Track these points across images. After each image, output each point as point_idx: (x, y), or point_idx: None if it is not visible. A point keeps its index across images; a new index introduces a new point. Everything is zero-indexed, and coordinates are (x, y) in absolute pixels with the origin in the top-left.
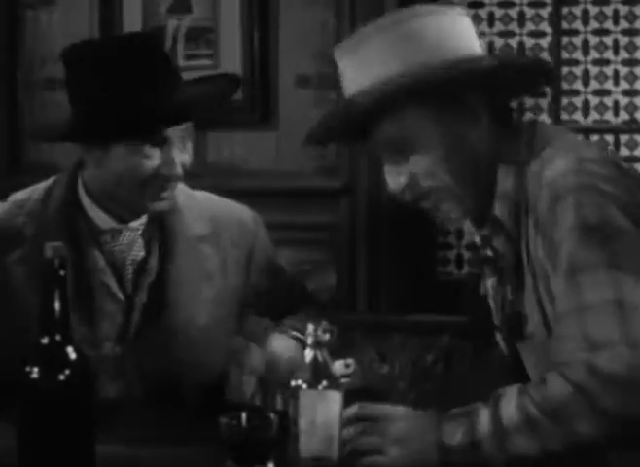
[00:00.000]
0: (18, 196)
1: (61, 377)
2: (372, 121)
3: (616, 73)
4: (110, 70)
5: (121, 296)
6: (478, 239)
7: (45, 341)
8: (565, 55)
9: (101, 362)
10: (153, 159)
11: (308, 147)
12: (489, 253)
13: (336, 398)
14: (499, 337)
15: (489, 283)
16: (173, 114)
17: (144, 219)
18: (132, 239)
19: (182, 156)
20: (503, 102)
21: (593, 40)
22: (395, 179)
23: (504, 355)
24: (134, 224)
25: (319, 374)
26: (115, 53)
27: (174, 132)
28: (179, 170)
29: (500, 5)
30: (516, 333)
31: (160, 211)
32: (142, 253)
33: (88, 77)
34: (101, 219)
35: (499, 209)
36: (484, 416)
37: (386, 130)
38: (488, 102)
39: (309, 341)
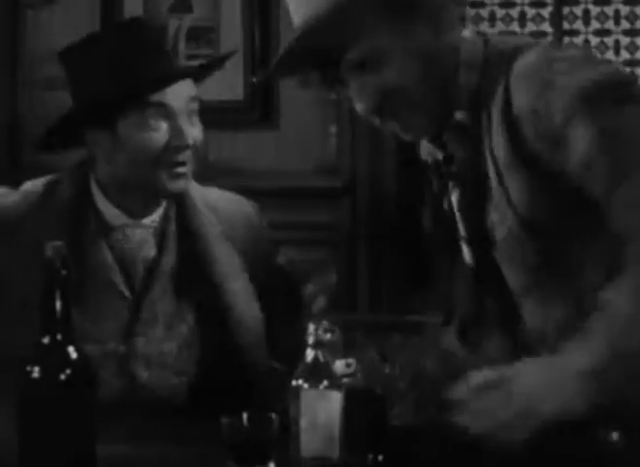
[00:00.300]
0: (28, 186)
1: (62, 377)
2: (333, 41)
3: None
4: (98, 50)
5: (128, 294)
6: (440, 156)
7: (46, 340)
8: None
9: (105, 359)
10: (160, 131)
11: (307, 144)
12: (453, 168)
13: (336, 398)
14: (465, 248)
15: (454, 197)
16: (165, 75)
17: (156, 216)
18: (144, 237)
19: (191, 130)
20: (454, 9)
21: (594, 40)
22: (364, 100)
23: (468, 268)
24: (146, 221)
25: (320, 374)
26: (100, 36)
27: (179, 104)
28: (189, 140)
29: (501, 5)
30: (487, 241)
31: (177, 192)
32: (153, 252)
33: (79, 64)
34: (113, 215)
35: (462, 112)
36: (598, 333)
37: (350, 49)
38: (442, 8)
39: (310, 340)
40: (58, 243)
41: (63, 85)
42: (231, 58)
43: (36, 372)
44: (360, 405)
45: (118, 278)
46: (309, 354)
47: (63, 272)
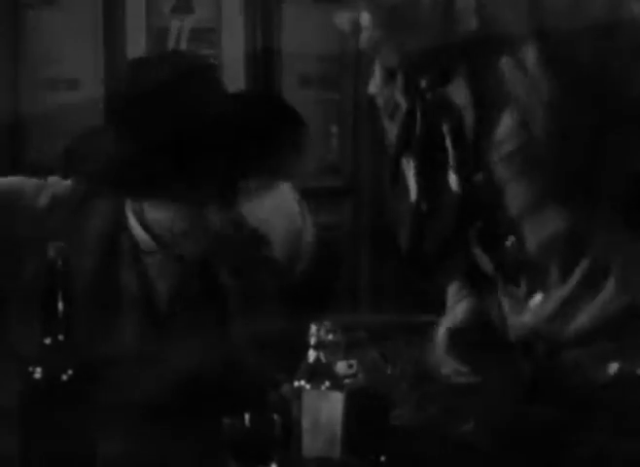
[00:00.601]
0: (57, 189)
1: (64, 378)
2: None
3: None
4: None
5: (151, 319)
6: (424, 84)
7: (48, 341)
8: None
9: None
10: (217, 217)
11: (309, 144)
12: (445, 92)
13: (338, 398)
14: (453, 177)
15: (445, 122)
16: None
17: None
18: (173, 265)
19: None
20: None
21: None
22: (370, 15)
23: (455, 196)
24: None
25: (322, 374)
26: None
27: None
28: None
29: None
30: (483, 163)
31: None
32: (182, 278)
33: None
34: (145, 240)
35: (468, 30)
36: None
37: None
38: None
39: (312, 341)
40: (60, 244)
41: (64, 85)
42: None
43: (38, 372)
44: (362, 405)
45: (142, 302)
46: (311, 355)
47: (65, 273)
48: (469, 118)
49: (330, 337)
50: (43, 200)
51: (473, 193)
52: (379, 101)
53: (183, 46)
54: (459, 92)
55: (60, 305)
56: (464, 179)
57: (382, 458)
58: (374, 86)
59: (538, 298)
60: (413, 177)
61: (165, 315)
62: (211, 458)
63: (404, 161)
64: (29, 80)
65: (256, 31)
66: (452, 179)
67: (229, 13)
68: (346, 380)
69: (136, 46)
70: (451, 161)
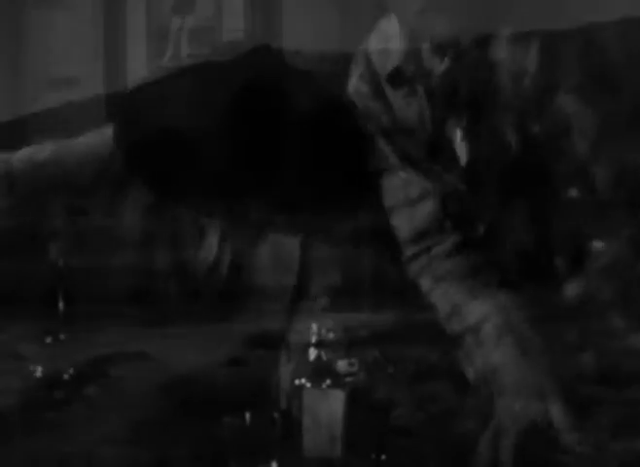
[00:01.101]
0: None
1: (65, 377)
2: None
3: None
4: None
5: (180, 301)
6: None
7: (48, 340)
8: None
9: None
10: None
11: None
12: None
13: (339, 397)
14: (510, 132)
15: (493, 85)
16: None
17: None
18: (209, 240)
19: None
20: None
21: None
22: None
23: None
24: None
25: (323, 373)
26: None
27: None
28: None
29: None
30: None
31: None
32: (212, 256)
33: None
34: None
35: None
36: None
37: None
38: None
39: (313, 340)
40: (61, 244)
41: (65, 86)
42: None
43: (38, 372)
44: (362, 404)
45: (174, 284)
46: (312, 353)
47: (66, 273)
48: (530, 67)
49: (331, 335)
50: (87, 172)
51: (534, 145)
52: (408, 69)
53: (183, 45)
54: (509, 50)
55: (61, 305)
56: (523, 132)
57: (383, 457)
58: (352, 86)
59: (600, 245)
60: (462, 140)
61: (194, 297)
62: (211, 458)
63: (446, 128)
64: (29, 79)
65: (256, 31)
66: (509, 134)
67: (229, 12)
68: (347, 379)
69: (136, 45)
70: (506, 115)
